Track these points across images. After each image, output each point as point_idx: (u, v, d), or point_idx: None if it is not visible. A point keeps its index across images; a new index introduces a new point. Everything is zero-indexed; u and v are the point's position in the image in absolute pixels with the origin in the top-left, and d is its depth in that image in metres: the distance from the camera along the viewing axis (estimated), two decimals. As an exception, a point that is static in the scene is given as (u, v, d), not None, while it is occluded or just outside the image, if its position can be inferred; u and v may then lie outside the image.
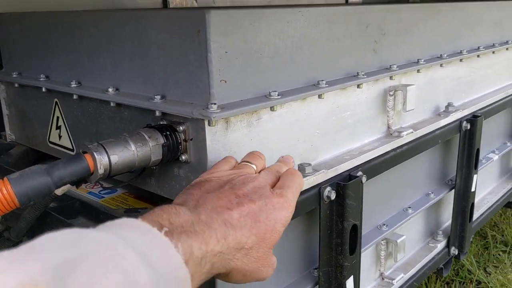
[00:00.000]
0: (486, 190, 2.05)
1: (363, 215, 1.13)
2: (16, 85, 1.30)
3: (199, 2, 1.97)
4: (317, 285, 1.11)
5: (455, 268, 2.53)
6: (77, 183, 0.85)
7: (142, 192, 1.12)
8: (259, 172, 0.79)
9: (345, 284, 1.09)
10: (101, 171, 0.79)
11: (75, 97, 1.10)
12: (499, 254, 2.68)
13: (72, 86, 1.10)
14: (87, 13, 1.10)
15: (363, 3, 2.57)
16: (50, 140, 1.27)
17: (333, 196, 1.03)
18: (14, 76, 1.30)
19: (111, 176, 0.85)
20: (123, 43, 0.99)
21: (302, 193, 0.98)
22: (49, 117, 1.24)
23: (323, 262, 1.08)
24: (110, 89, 1.00)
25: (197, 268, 0.59)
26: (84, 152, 0.80)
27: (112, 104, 1.00)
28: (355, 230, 1.10)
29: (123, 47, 0.99)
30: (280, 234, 0.72)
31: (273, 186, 0.76)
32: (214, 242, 0.62)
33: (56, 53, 1.17)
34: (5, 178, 0.73)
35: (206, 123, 0.83)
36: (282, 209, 0.72)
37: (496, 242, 2.81)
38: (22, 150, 1.38)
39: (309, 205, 1.01)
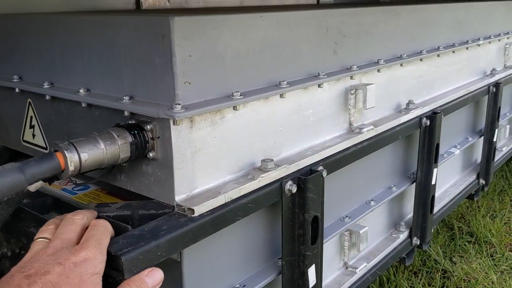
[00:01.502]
0: (449, 183, 2.15)
1: (326, 207, 1.20)
2: (-11, 85, 1.33)
3: (172, 2, 2.02)
4: (281, 274, 1.17)
5: (423, 259, 2.64)
6: (49, 180, 0.90)
7: (114, 188, 1.17)
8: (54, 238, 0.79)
9: (307, 272, 1.16)
10: (71, 168, 0.84)
11: (47, 97, 1.14)
12: (464, 245, 2.79)
13: (45, 87, 1.14)
14: (58, 15, 1.14)
15: (333, 4, 2.65)
16: (24, 139, 1.31)
17: (294, 189, 1.10)
18: (-13, 76, 1.33)
19: (82, 173, 0.90)
20: (93, 46, 1.03)
21: (264, 187, 1.05)
22: (23, 117, 1.28)
23: (286, 252, 1.15)
24: (81, 90, 1.05)
25: None
26: (55, 151, 0.85)
27: (83, 105, 1.05)
28: (317, 222, 1.16)
29: (93, 49, 1.04)
30: (96, 283, 0.73)
31: (78, 241, 0.78)
32: None
33: (29, 54, 1.21)
34: (-22, 176, 0.77)
35: (171, 122, 0.89)
36: (86, 261, 0.73)
37: (462, 233, 2.93)
38: (-4, 149, 1.42)
39: (271, 198, 1.07)
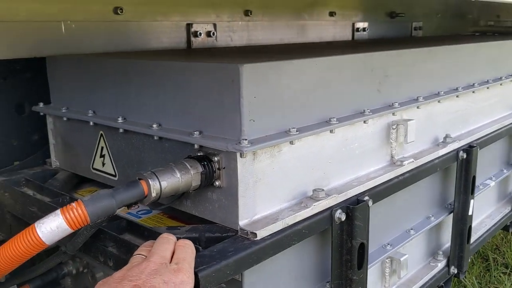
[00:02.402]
0: (484, 214, 2.20)
1: (369, 235, 1.29)
2: (65, 118, 1.48)
3: (219, 41, 2.17)
4: (329, 296, 1.26)
5: (459, 290, 2.66)
6: (132, 204, 1.03)
7: (175, 213, 1.29)
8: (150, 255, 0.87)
9: (354, 295, 1.25)
10: (154, 194, 0.97)
11: (121, 130, 1.28)
12: (500, 276, 2.80)
13: (119, 121, 1.28)
14: (135, 59, 1.29)
15: (368, 40, 2.76)
16: (94, 166, 1.45)
17: (343, 217, 1.20)
18: (63, 111, 1.48)
19: (159, 199, 1.02)
20: (167, 86, 1.17)
21: (316, 215, 1.15)
22: (94, 147, 1.42)
23: (335, 276, 1.24)
24: (154, 125, 1.18)
25: None
26: (140, 179, 0.98)
27: (155, 138, 1.18)
28: (363, 248, 1.25)
29: (166, 90, 1.17)
30: None
31: (171, 259, 0.87)
32: None
33: (104, 92, 1.36)
34: (79, 200, 0.91)
35: (238, 155, 1.01)
36: (183, 284, 0.82)
37: (497, 265, 2.94)
38: (66, 175, 1.56)
39: (323, 225, 1.18)
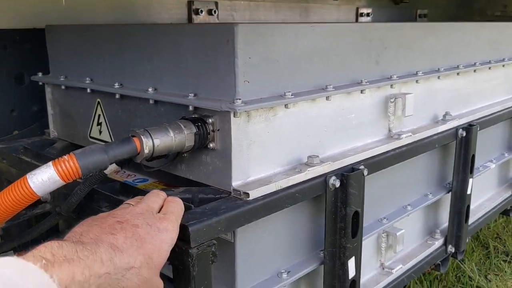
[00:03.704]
0: (484, 197, 2.19)
1: (365, 208, 1.29)
2: (63, 87, 1.49)
3: (220, 19, 2.17)
4: (323, 264, 1.26)
5: (457, 275, 2.66)
6: (123, 163, 1.03)
7: (171, 181, 1.30)
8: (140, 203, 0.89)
9: (347, 264, 1.25)
10: (146, 151, 0.97)
11: (117, 96, 1.28)
12: (500, 263, 2.79)
13: (116, 87, 1.28)
14: (131, 26, 1.29)
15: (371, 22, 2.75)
16: (91, 135, 1.45)
17: (337, 184, 1.20)
18: (62, 79, 1.49)
19: (152, 158, 1.03)
20: (162, 50, 1.17)
21: (310, 180, 1.15)
22: (91, 116, 1.43)
23: (328, 243, 1.24)
24: (150, 89, 1.19)
25: None
26: (133, 136, 0.98)
27: (151, 102, 1.18)
28: (357, 217, 1.25)
29: (161, 55, 1.17)
30: (167, 254, 0.82)
31: (157, 211, 0.87)
32: (99, 265, 0.69)
33: (101, 59, 1.36)
34: (71, 153, 0.91)
35: (231, 115, 1.01)
36: (167, 231, 0.83)
37: (498, 252, 2.93)
38: (64, 145, 1.57)
39: (316, 191, 1.17)
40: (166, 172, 1.22)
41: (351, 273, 1.27)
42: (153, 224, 0.82)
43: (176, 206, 0.91)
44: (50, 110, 1.61)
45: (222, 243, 1.11)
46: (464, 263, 2.75)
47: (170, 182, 1.32)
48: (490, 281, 2.59)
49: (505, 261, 2.85)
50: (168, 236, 0.83)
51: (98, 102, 1.40)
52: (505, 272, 2.69)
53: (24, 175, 0.89)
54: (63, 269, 0.64)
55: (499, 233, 3.18)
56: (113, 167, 1.07)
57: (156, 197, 0.91)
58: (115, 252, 0.74)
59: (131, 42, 1.27)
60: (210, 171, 1.11)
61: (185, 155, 1.15)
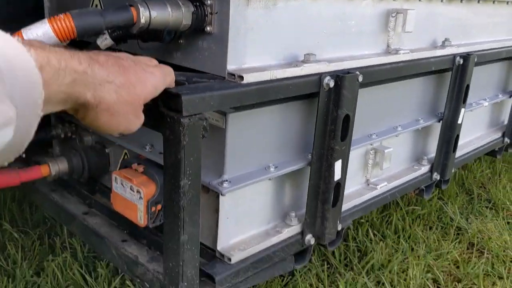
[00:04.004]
0: (474, 135, 2.22)
1: (356, 123, 1.30)
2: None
3: None
4: (310, 165, 1.28)
5: (439, 216, 2.72)
6: (117, 39, 1.03)
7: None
8: None
9: (334, 165, 1.27)
10: (142, 21, 0.97)
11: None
12: (482, 209, 2.86)
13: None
14: None
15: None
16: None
17: (331, 84, 1.20)
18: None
19: (148, 33, 1.02)
20: None
21: (305, 76, 1.16)
22: (88, 4, 1.41)
23: (317, 144, 1.26)
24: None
25: (55, 76, 0.65)
26: (131, 6, 0.97)
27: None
28: (348, 121, 1.27)
29: None
30: (151, 93, 0.83)
31: None
32: (76, 63, 0.68)
33: None
34: (67, 13, 0.90)
35: (231, -7, 1.00)
36: (153, 74, 0.83)
37: (481, 200, 2.99)
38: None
39: (311, 88, 1.18)
40: (165, 62, 1.21)
41: (337, 175, 1.29)
42: (138, 64, 0.83)
43: (164, 68, 0.91)
44: (46, 2, 1.58)
45: (213, 129, 1.13)
46: (448, 206, 2.81)
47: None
48: (470, 223, 2.66)
49: (487, 207, 2.92)
50: (153, 78, 0.83)
51: (96, -10, 1.37)
52: (486, 216, 2.76)
53: (19, 30, 0.89)
54: (40, 52, 0.64)
55: (484, 183, 3.24)
56: (108, 42, 1.06)
57: (147, 58, 0.92)
58: (94, 62, 0.73)
59: None
60: (205, 57, 1.11)
61: (181, 41, 1.14)
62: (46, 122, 1.65)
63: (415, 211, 2.72)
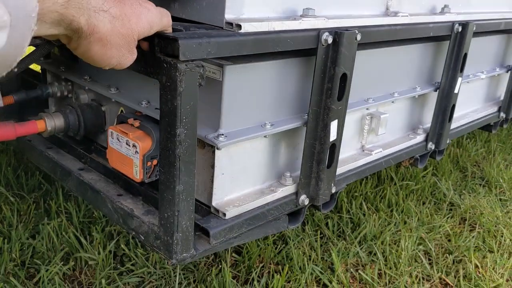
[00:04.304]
0: (470, 108, 2.22)
1: (354, 86, 1.29)
2: None
3: None
4: (305, 126, 1.28)
5: (433, 192, 2.74)
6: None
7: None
8: None
9: (330, 125, 1.27)
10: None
11: None
12: (475, 186, 2.88)
13: None
14: None
15: None
16: None
17: (330, 40, 1.19)
18: None
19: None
20: None
21: (304, 31, 1.15)
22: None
23: (314, 102, 1.25)
24: None
25: None
26: None
27: None
28: (345, 80, 1.26)
29: None
30: (146, 29, 0.82)
31: None
32: None
33: None
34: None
35: None
36: (148, 10, 0.83)
37: (475, 177, 3.01)
38: None
39: (309, 43, 1.17)
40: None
41: (332, 135, 1.29)
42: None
43: (160, 9, 0.90)
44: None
45: (210, 82, 1.12)
46: (441, 182, 2.83)
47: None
48: (463, 199, 2.68)
49: (480, 184, 2.94)
50: (149, 13, 0.82)
51: None
52: (479, 193, 2.78)
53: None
54: None
55: (478, 161, 3.26)
56: None
57: None
58: None
59: None
60: (203, 7, 1.09)
61: (177, -9, 1.13)
62: (42, 80, 1.63)
63: (409, 186, 2.73)
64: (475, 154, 3.30)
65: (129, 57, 0.83)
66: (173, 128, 0.95)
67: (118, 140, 1.23)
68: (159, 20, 0.86)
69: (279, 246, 2.05)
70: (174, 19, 1.17)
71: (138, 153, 1.18)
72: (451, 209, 2.61)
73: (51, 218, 2.01)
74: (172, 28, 0.98)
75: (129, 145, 1.20)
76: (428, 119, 1.88)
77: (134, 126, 1.23)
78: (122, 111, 1.40)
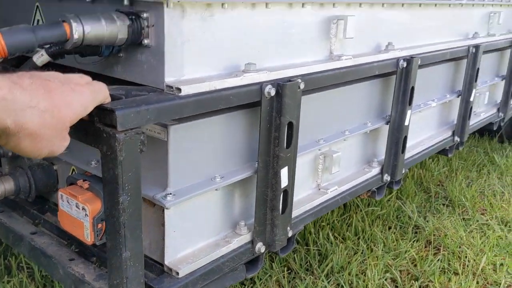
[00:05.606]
0: (425, 135, 2.28)
1: (304, 129, 1.32)
2: (0, -8, 1.44)
3: None
4: (257, 173, 1.29)
5: (398, 216, 2.79)
6: (54, 55, 1.02)
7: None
8: None
9: (280, 173, 1.29)
10: (76, 37, 0.96)
11: (55, -3, 1.25)
12: (439, 206, 2.94)
13: (53, -14, 1.25)
14: None
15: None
16: (30, 43, 1.42)
17: (272, 92, 1.22)
18: (-1, -17, 1.43)
19: (82, 49, 1.02)
20: None
21: (245, 86, 1.17)
22: (30, 20, 1.39)
23: (262, 151, 1.27)
24: (85, -14, 1.16)
25: None
26: (63, 21, 0.96)
27: (87, 0, 1.16)
28: (291, 128, 1.29)
29: None
30: (79, 114, 0.82)
31: None
32: None
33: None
34: (-4, 31, 0.89)
35: (165, 6, 1.01)
36: (81, 93, 0.82)
37: (439, 197, 3.08)
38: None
39: (252, 97, 1.19)
40: (106, 76, 1.21)
41: (284, 182, 1.31)
42: (66, 84, 0.81)
43: (97, 84, 0.90)
44: (-13, 19, 1.55)
45: (155, 142, 1.13)
46: (406, 205, 2.88)
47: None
48: (428, 221, 2.73)
49: (444, 204, 3.00)
50: (81, 98, 0.82)
51: (37, 7, 1.36)
52: (443, 213, 2.84)
53: None
54: None
55: (441, 180, 3.33)
56: (44, 58, 1.05)
57: (79, 76, 0.91)
58: (16, 87, 0.72)
59: None
60: (145, 70, 1.11)
61: (120, 55, 1.14)
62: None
63: (374, 211, 2.77)
64: (438, 174, 3.38)
65: (61, 145, 0.82)
66: (116, 196, 0.95)
67: (68, 202, 1.22)
68: (93, 99, 0.87)
69: (247, 286, 2.04)
70: (117, 81, 1.19)
71: (88, 215, 1.17)
72: (416, 232, 2.66)
73: (12, 275, 1.96)
74: (112, 95, 0.99)
75: (79, 208, 1.19)
76: (382, 151, 1.93)
77: (84, 188, 1.22)
78: (73, 170, 1.39)
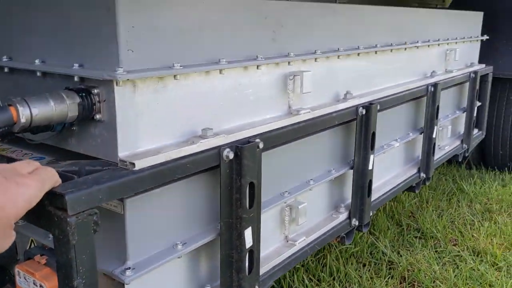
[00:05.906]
0: (390, 174, 2.30)
1: (267, 183, 1.32)
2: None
3: None
4: (220, 235, 1.28)
5: (372, 252, 2.79)
6: (4, 134, 1.00)
7: (68, 158, 1.27)
8: None
9: (244, 234, 1.28)
10: (23, 120, 0.95)
11: (6, 70, 1.24)
12: (412, 239, 2.96)
13: (4, 60, 1.24)
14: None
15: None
16: (-17, 113, 1.39)
17: (231, 156, 1.22)
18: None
19: (33, 129, 1.00)
20: (47, 22, 1.15)
21: (203, 152, 1.17)
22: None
23: (224, 213, 1.26)
24: (36, 61, 1.16)
25: None
26: (9, 105, 0.95)
27: (38, 74, 1.15)
28: (253, 188, 1.29)
29: (47, 25, 1.15)
30: (24, 209, 0.80)
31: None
32: None
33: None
34: None
35: (115, 84, 1.01)
36: (27, 186, 0.81)
37: (411, 230, 3.10)
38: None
39: (210, 162, 1.19)
40: (62, 148, 1.19)
41: (248, 243, 1.30)
42: (11, 179, 0.79)
43: (44, 171, 0.88)
44: None
45: (112, 216, 1.11)
46: (379, 240, 2.89)
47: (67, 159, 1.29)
48: (401, 256, 2.74)
49: (416, 237, 3.02)
50: (27, 192, 0.81)
51: (-12, 79, 1.34)
52: (416, 247, 2.85)
53: None
54: None
55: (413, 212, 3.36)
56: (-7, 139, 1.04)
57: (26, 163, 0.89)
58: None
59: (16, 13, 1.23)
60: (98, 143, 1.10)
61: (74, 128, 1.13)
62: None
63: (348, 249, 2.77)
64: (409, 205, 3.41)
65: (5, 243, 0.80)
66: (70, 281, 0.92)
67: (26, 279, 1.18)
68: (41, 189, 0.85)
69: None
70: (72, 154, 1.17)
71: (46, 293, 1.13)
72: (390, 268, 2.66)
73: None
74: (65, 174, 0.98)
75: (36, 285, 1.15)
76: (349, 195, 1.94)
77: (41, 263, 1.18)
78: (32, 241, 1.35)
